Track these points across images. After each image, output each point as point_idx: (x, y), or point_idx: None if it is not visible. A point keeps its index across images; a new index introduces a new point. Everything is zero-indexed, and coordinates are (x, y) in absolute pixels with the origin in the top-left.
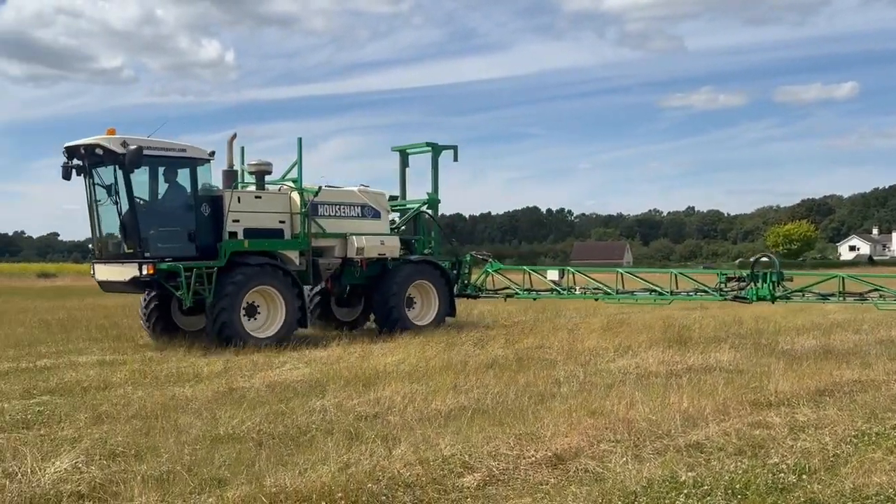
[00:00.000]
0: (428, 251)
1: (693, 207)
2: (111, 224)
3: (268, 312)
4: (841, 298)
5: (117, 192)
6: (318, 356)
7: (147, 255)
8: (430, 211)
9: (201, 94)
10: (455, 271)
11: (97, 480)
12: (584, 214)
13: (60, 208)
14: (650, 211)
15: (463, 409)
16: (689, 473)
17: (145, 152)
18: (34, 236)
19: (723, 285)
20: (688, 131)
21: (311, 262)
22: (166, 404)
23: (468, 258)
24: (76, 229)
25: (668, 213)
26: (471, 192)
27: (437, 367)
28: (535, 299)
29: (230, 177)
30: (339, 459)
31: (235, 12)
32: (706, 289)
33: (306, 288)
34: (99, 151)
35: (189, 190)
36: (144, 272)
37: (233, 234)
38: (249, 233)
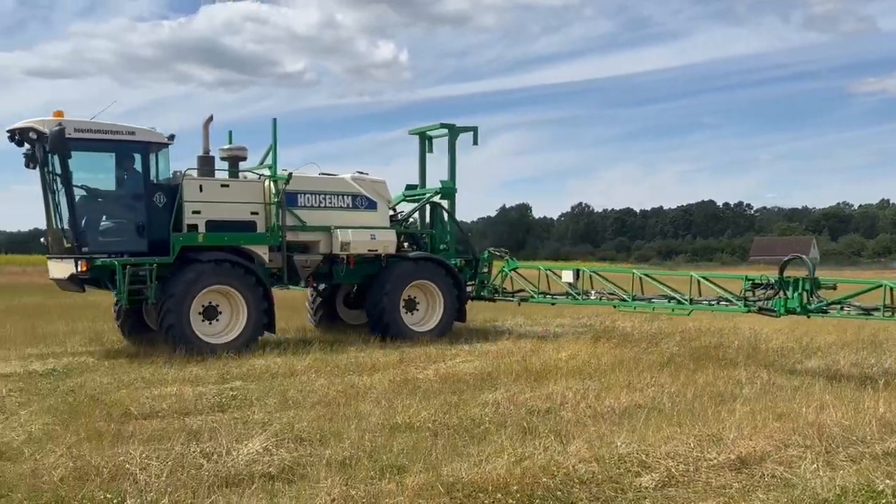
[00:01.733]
0: (443, 247)
1: (888, 200)
2: (60, 216)
3: (230, 315)
4: (889, 314)
5: (55, 181)
6: (488, 350)
7: (84, 250)
8: (444, 202)
9: (376, 94)
10: (472, 270)
11: (286, 463)
12: (764, 208)
13: None
14: (839, 204)
15: (638, 408)
16: (888, 482)
17: (80, 135)
18: None
19: (749, 293)
20: (881, 118)
21: (286, 259)
22: (347, 392)
23: (486, 256)
24: None
25: (860, 206)
26: (641, 186)
27: (608, 364)
28: (553, 304)
29: (206, 164)
30: (514, 452)
31: (410, 14)
32: (729, 297)
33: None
34: (32, 135)
35: (139, 178)
36: (79, 269)
37: (192, 227)
38: (213, 225)
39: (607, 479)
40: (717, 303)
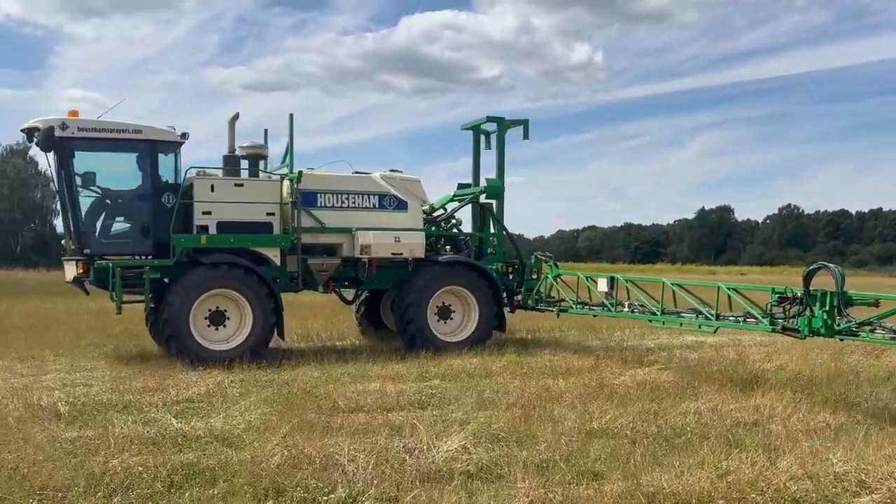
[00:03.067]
0: (490, 251)
1: None
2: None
3: (238, 320)
4: None
5: (60, 181)
6: (688, 357)
7: (86, 251)
8: (489, 202)
9: (570, 96)
10: (519, 277)
11: (483, 462)
12: None
13: None
14: None
15: (856, 423)
16: None
17: (84, 134)
18: None
19: (776, 308)
20: None
21: (301, 263)
22: (541, 395)
23: (533, 261)
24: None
25: None
26: (857, 186)
27: (822, 375)
28: (595, 315)
29: (231, 163)
30: (718, 465)
31: (606, 14)
32: (755, 314)
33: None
34: (37, 135)
35: (145, 178)
36: (78, 271)
37: (203, 229)
38: (225, 227)
39: (822, 499)
40: (744, 319)
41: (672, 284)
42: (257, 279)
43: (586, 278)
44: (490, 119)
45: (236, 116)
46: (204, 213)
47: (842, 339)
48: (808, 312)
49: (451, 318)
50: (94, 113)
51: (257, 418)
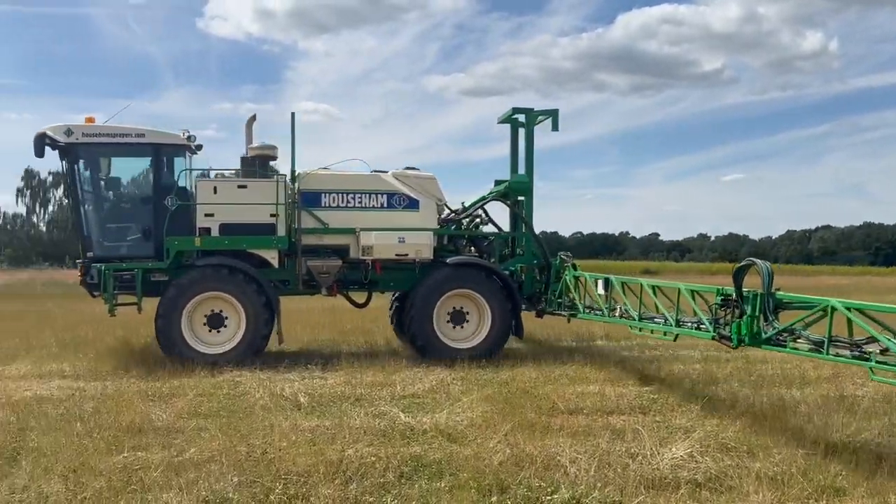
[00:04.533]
0: (519, 252)
1: None
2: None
3: (236, 323)
4: (847, 353)
5: (67, 186)
6: None
7: (90, 254)
8: (508, 199)
9: (800, 87)
10: (545, 279)
11: (712, 471)
12: None
13: (661, 210)
14: None
15: None
16: None
17: (89, 140)
18: (637, 236)
19: (720, 311)
20: None
21: (302, 265)
22: (774, 405)
23: (558, 262)
24: (675, 230)
25: None
26: None
27: None
28: (588, 320)
29: (247, 165)
30: None
31: None
32: (704, 319)
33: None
34: (47, 142)
35: (148, 181)
36: (79, 274)
37: (205, 231)
38: (227, 229)
39: None
40: (698, 325)
41: (648, 286)
42: (248, 281)
43: (594, 281)
44: (517, 111)
45: (253, 118)
46: (206, 215)
47: (758, 347)
48: (736, 317)
49: (467, 322)
50: (323, 124)
51: (479, 416)
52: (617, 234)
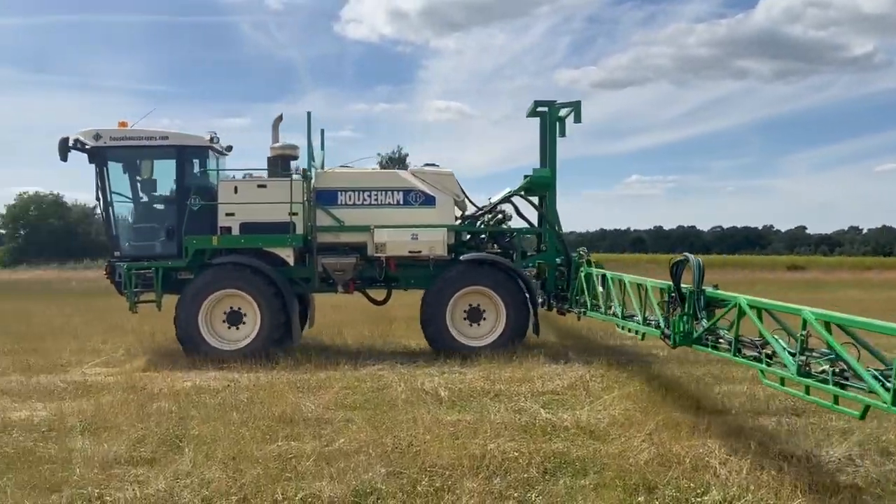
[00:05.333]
0: (543, 248)
1: None
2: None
3: (253, 320)
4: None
5: (97, 187)
6: None
7: (117, 254)
8: (534, 194)
9: None
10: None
11: (872, 476)
12: None
13: (808, 202)
14: None
15: None
16: None
17: (115, 143)
18: (782, 229)
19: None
20: None
21: (317, 263)
22: None
23: (577, 258)
24: (823, 223)
25: None
26: None
27: None
28: (605, 319)
29: (274, 164)
30: None
31: None
32: (660, 317)
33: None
34: (78, 146)
35: (172, 182)
36: (105, 273)
37: (225, 230)
38: (247, 227)
39: None
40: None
41: (630, 283)
42: (264, 279)
43: (598, 277)
44: (538, 104)
45: (280, 118)
46: (227, 214)
47: (689, 346)
48: (675, 314)
49: (484, 320)
50: (455, 122)
51: (621, 413)
52: (760, 228)
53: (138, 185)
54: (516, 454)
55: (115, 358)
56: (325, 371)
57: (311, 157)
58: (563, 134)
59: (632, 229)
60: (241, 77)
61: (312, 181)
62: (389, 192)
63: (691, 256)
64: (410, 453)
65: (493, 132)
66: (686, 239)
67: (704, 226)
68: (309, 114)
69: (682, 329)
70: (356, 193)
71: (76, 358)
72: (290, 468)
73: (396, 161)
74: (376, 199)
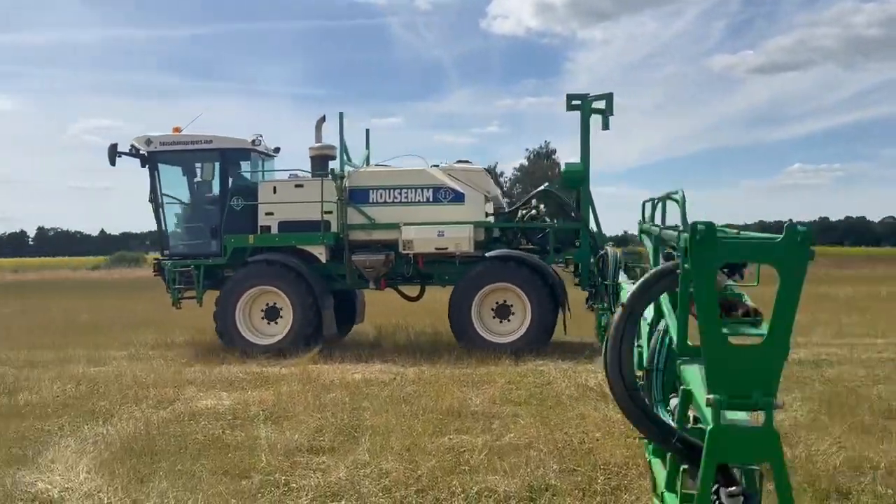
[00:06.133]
0: (577, 244)
1: None
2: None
3: (287, 317)
4: None
5: (150, 190)
6: None
7: (166, 253)
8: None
9: None
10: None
11: None
12: None
13: None
14: None
15: None
16: None
17: (165, 148)
18: None
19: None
20: None
21: (348, 260)
22: None
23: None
24: None
25: None
26: None
27: None
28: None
29: (315, 164)
30: None
31: None
32: None
33: None
34: (133, 151)
35: (215, 183)
36: (153, 272)
37: (265, 229)
38: (285, 226)
39: None
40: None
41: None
42: (295, 276)
43: None
44: (571, 97)
45: (323, 119)
46: (267, 213)
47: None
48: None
49: (513, 316)
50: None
51: (804, 416)
52: None
53: (180, 186)
54: None
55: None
56: (486, 366)
57: (343, 156)
58: (606, 127)
59: (794, 221)
60: (392, 77)
61: (346, 180)
62: (419, 190)
63: (609, 250)
64: (582, 450)
65: (643, 122)
66: (854, 231)
67: (875, 216)
68: (341, 114)
69: (601, 323)
70: (387, 191)
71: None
72: (463, 461)
73: (544, 156)
74: (406, 197)
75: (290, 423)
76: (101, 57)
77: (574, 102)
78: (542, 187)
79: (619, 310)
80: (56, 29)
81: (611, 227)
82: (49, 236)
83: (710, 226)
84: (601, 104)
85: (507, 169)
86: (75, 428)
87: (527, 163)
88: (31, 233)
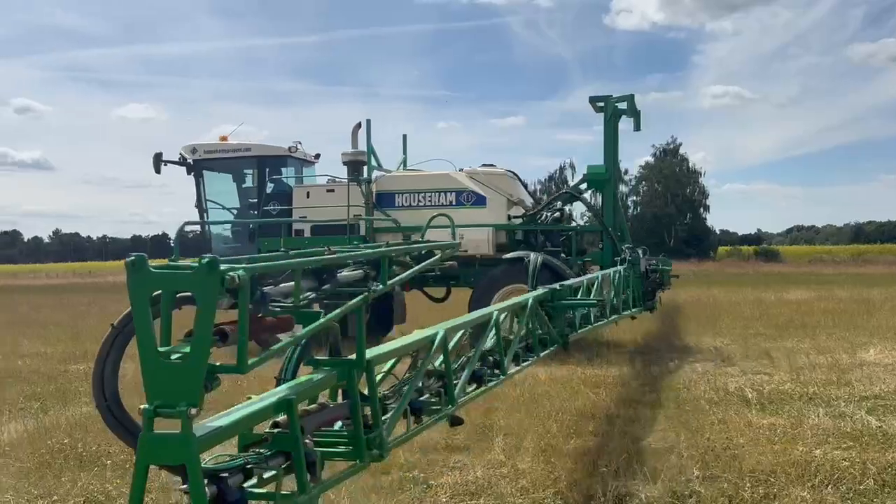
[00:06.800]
0: (600, 247)
1: None
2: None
3: None
4: None
5: (196, 196)
6: None
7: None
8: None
9: None
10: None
11: None
12: None
13: None
14: None
15: None
16: None
17: (209, 156)
18: None
19: None
20: None
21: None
22: None
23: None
24: None
25: None
26: None
27: None
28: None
29: (353, 169)
30: None
31: None
32: None
33: None
34: (180, 160)
35: (254, 189)
36: None
37: (299, 232)
38: (317, 230)
39: None
40: None
41: None
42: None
43: None
44: (594, 99)
45: (359, 125)
46: (301, 217)
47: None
48: None
49: None
50: (733, 107)
51: None
52: None
53: (223, 192)
54: (846, 463)
55: None
56: (617, 367)
57: (370, 161)
58: (637, 128)
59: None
60: (513, 76)
61: (373, 185)
62: (443, 193)
63: (532, 255)
64: (727, 456)
65: (776, 116)
66: None
67: None
68: (368, 121)
69: None
70: (412, 195)
71: None
72: (601, 464)
73: (671, 152)
74: (430, 200)
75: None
76: (231, 66)
77: (598, 104)
78: (565, 190)
79: (109, 329)
80: (189, 41)
81: (742, 226)
82: (188, 238)
83: (141, 257)
84: (623, 105)
85: (632, 166)
86: None
87: (653, 159)
88: (171, 235)
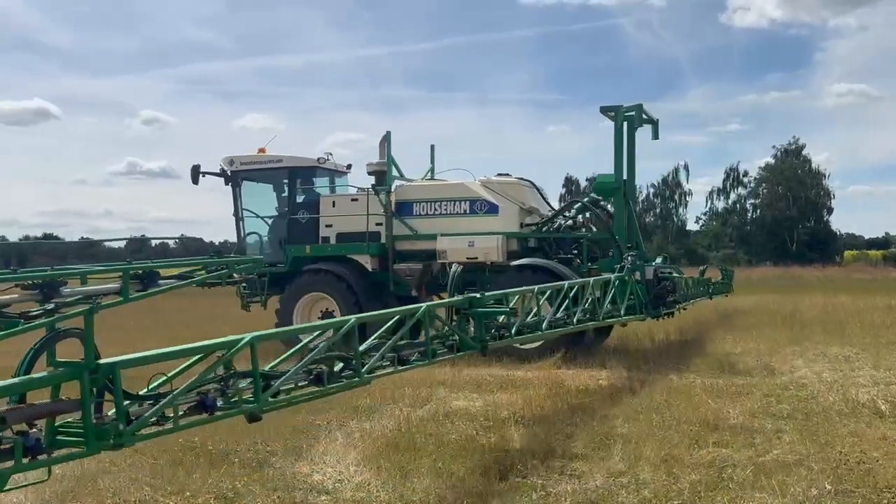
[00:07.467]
0: (610, 254)
1: None
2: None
3: None
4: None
5: (233, 205)
6: None
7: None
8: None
9: None
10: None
11: None
12: None
13: None
14: None
15: None
16: None
17: (245, 167)
18: None
19: None
20: None
21: (391, 269)
22: None
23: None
24: None
25: None
26: None
27: None
28: None
29: (380, 180)
30: None
31: None
32: None
33: None
34: (219, 171)
35: (284, 199)
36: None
37: (325, 239)
38: (341, 237)
39: None
40: None
41: None
42: (341, 283)
43: None
44: (604, 109)
45: (386, 136)
46: (327, 225)
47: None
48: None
49: None
50: (857, 106)
51: None
52: None
53: (269, 201)
54: None
55: None
56: (741, 377)
57: (391, 171)
58: (655, 136)
59: None
60: (625, 78)
61: (393, 194)
62: (457, 202)
63: (455, 265)
64: (860, 471)
65: None
66: None
67: None
68: (388, 133)
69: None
70: (429, 204)
71: None
72: (726, 476)
73: (793, 153)
74: (445, 209)
75: (541, 428)
76: (347, 76)
77: (609, 114)
78: (584, 199)
79: None
80: (306, 52)
81: (868, 229)
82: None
83: None
84: (632, 114)
85: (751, 168)
86: (342, 423)
87: (773, 161)
88: None
